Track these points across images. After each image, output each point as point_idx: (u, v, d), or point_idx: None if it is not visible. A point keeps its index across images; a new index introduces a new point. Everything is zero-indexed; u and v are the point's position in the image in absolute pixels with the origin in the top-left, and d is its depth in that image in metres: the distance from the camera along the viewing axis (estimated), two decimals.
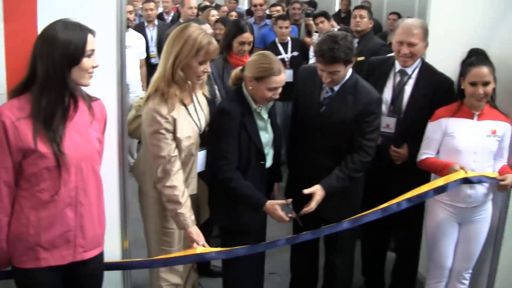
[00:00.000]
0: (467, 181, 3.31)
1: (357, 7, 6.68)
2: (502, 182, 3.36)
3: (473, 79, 3.38)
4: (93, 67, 2.54)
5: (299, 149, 3.77)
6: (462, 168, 3.32)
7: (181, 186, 3.17)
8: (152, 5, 8.02)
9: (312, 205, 3.38)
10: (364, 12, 6.22)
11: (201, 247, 3.15)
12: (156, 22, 8.03)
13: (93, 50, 2.52)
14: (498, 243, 3.72)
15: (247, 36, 4.56)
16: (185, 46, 3.10)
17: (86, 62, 2.49)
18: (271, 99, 3.35)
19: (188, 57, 3.10)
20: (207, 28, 4.15)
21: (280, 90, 3.33)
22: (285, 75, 3.34)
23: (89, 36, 2.50)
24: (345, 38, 3.39)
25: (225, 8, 9.52)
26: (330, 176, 3.47)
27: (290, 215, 3.37)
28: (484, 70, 3.34)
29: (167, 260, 3.23)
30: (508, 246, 3.72)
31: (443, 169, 3.41)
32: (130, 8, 7.54)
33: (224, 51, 4.64)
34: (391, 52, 4.14)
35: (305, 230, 3.46)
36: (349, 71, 3.53)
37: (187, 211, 3.16)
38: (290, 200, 3.42)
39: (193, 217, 3.20)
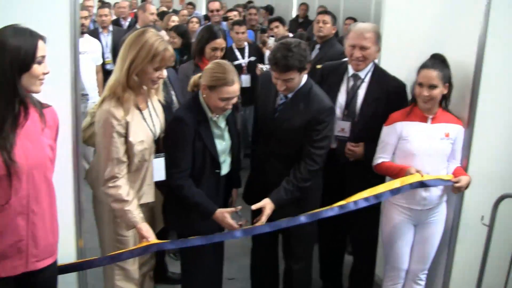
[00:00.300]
0: (422, 184, 3.37)
1: (321, 12, 6.62)
2: (456, 184, 3.43)
3: (420, 80, 3.44)
4: (44, 73, 2.49)
5: (256, 154, 3.80)
6: (418, 171, 3.37)
7: (126, 187, 3.14)
8: (106, 11, 7.94)
9: (263, 219, 3.39)
10: (327, 18, 6.14)
11: (154, 239, 3.14)
12: (110, 28, 7.95)
13: (43, 57, 2.47)
14: (452, 243, 3.76)
15: (220, 42, 4.58)
16: (141, 52, 3.08)
17: (36, 68, 2.44)
18: (224, 109, 3.33)
19: (143, 63, 3.08)
20: (164, 34, 4.13)
21: (234, 100, 3.32)
22: (239, 86, 3.32)
23: (40, 42, 2.45)
24: (299, 46, 3.39)
25: (184, 12, 9.51)
26: (278, 189, 3.48)
27: (240, 223, 3.36)
28: (432, 73, 3.39)
29: (122, 254, 3.20)
30: (462, 246, 3.77)
31: (399, 173, 3.45)
32: (85, 13, 7.46)
33: (196, 57, 4.65)
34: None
35: (261, 237, 3.50)
36: (304, 78, 3.53)
37: (134, 209, 3.14)
38: (239, 207, 3.43)
39: (141, 215, 3.17)
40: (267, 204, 3.42)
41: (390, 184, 3.38)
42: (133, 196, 3.17)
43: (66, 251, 3.19)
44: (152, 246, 3.15)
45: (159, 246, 3.20)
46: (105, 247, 3.42)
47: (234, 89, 3.27)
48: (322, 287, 4.53)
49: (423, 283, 3.80)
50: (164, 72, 3.20)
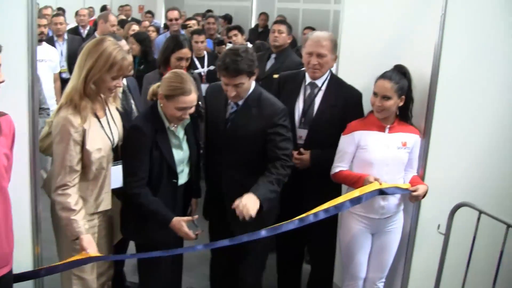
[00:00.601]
0: (381, 192, 3.39)
1: (276, 22, 6.63)
2: (414, 193, 3.46)
3: (375, 90, 3.49)
4: None
5: (211, 166, 3.76)
6: (376, 179, 3.39)
7: (75, 196, 3.10)
8: (61, 19, 7.83)
9: (238, 203, 3.22)
10: (283, 27, 6.14)
11: (95, 253, 3.09)
12: (66, 36, 7.84)
13: None
14: (409, 251, 3.79)
15: (185, 51, 4.59)
16: (99, 60, 3.06)
17: None
18: (181, 119, 3.33)
19: (101, 72, 3.07)
20: (123, 44, 4.09)
21: (190, 110, 3.32)
22: (196, 96, 3.32)
23: None
24: (247, 51, 3.42)
25: (146, 23, 9.47)
26: (257, 185, 3.35)
27: (196, 232, 3.32)
28: (387, 84, 3.42)
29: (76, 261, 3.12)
30: (419, 254, 3.81)
31: (358, 181, 3.47)
32: (44, 22, 7.34)
33: (161, 66, 4.64)
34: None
35: (219, 249, 3.50)
36: (252, 84, 3.55)
37: (80, 219, 3.09)
38: (196, 217, 3.39)
39: (87, 226, 3.13)
40: (247, 196, 3.26)
41: (350, 194, 3.38)
42: (81, 206, 3.12)
43: (23, 260, 3.16)
44: (92, 258, 3.09)
45: (122, 257, 3.17)
46: (63, 256, 3.34)
47: (190, 99, 3.27)
48: None
49: None
50: (124, 81, 3.18)
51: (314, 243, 4.18)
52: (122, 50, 3.17)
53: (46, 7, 9.68)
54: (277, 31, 6.11)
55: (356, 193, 3.36)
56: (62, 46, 7.69)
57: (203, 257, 4.61)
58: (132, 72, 4.33)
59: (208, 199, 3.86)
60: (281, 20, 6.86)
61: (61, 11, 9.82)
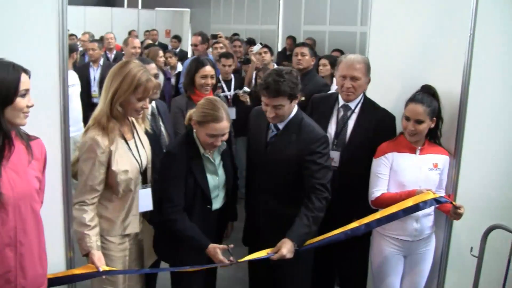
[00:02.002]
0: (437, 201, 3.34)
1: (298, 45, 6.61)
2: (459, 210, 3.38)
3: (407, 114, 3.46)
4: (28, 106, 2.49)
5: (251, 192, 3.74)
6: (429, 190, 3.35)
7: (91, 214, 3.12)
8: (94, 45, 7.92)
9: (275, 257, 3.19)
10: (305, 50, 6.14)
11: (106, 266, 3.10)
12: (101, 62, 7.92)
13: (27, 90, 2.47)
14: (442, 274, 3.76)
15: (208, 69, 4.61)
16: (124, 82, 3.10)
17: (20, 102, 2.43)
18: (213, 146, 3.32)
19: (126, 93, 3.10)
20: (152, 67, 4.13)
21: (223, 137, 3.31)
22: (228, 123, 3.31)
23: (23, 76, 2.45)
24: (291, 73, 3.39)
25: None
26: (293, 227, 3.29)
27: (231, 258, 3.28)
28: (419, 108, 3.40)
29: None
30: (452, 277, 3.77)
31: (408, 197, 3.40)
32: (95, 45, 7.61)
33: (187, 90, 4.66)
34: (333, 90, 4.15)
35: (258, 275, 3.55)
36: (295, 109, 3.51)
37: (93, 235, 3.10)
38: (231, 246, 3.30)
39: (99, 243, 3.13)
40: (283, 244, 3.21)
41: (402, 204, 3.35)
42: (95, 223, 3.14)
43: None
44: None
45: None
46: (94, 280, 3.34)
47: (222, 126, 3.26)
48: None
49: None
50: (153, 103, 3.19)
51: (345, 266, 4.13)
52: (147, 71, 3.19)
53: (84, 34, 9.85)
54: (300, 54, 6.12)
55: (409, 202, 3.33)
56: (96, 72, 7.78)
57: (236, 279, 4.60)
58: (158, 94, 4.35)
59: (247, 226, 3.83)
60: (303, 43, 6.86)
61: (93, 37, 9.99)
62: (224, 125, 3.27)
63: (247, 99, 6.06)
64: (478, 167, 3.63)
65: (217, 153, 3.46)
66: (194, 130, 3.36)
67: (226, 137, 3.35)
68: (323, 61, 6.88)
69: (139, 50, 7.47)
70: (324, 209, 3.37)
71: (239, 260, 3.28)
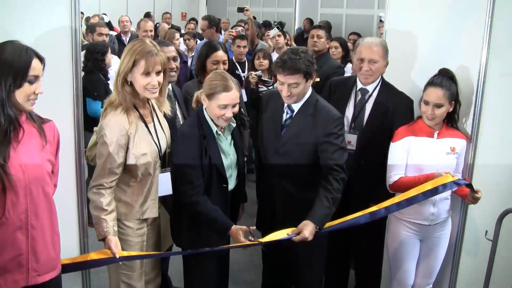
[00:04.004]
0: (456, 184, 3.34)
1: (314, 27, 6.60)
2: (477, 194, 3.39)
3: (426, 98, 3.44)
4: (36, 94, 2.49)
5: (265, 176, 3.72)
6: (447, 173, 3.34)
7: (109, 198, 3.11)
8: (106, 29, 7.81)
9: (298, 238, 3.20)
10: (321, 32, 6.10)
11: (122, 251, 3.11)
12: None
13: (37, 76, 2.47)
14: (457, 258, 3.77)
15: (220, 54, 4.50)
16: (125, 58, 3.08)
17: (27, 87, 2.44)
18: (225, 118, 3.29)
19: (127, 67, 3.07)
20: (171, 50, 4.10)
21: (235, 109, 3.30)
22: (238, 93, 3.31)
23: (35, 61, 2.45)
24: (306, 52, 3.37)
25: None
26: (314, 209, 3.27)
27: (250, 238, 3.29)
28: (439, 92, 3.39)
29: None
30: (466, 260, 3.79)
31: (426, 181, 3.39)
32: (106, 31, 7.55)
33: (198, 75, 4.56)
34: (347, 74, 4.11)
35: (272, 259, 3.55)
36: (309, 91, 3.49)
37: (110, 220, 3.09)
38: (253, 228, 3.33)
39: (116, 228, 3.13)
40: (305, 226, 3.20)
41: (422, 187, 3.34)
42: (113, 208, 3.12)
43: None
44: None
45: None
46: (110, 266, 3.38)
47: (232, 96, 3.26)
48: None
49: None
50: (169, 86, 3.15)
51: (360, 250, 4.15)
52: (150, 47, 3.10)
53: (94, 16, 9.83)
54: (316, 36, 6.09)
55: (428, 186, 3.33)
56: None
57: (248, 264, 4.63)
58: (175, 77, 4.32)
59: (261, 210, 3.82)
60: (319, 25, 6.83)
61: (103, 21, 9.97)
62: (235, 94, 3.27)
63: (255, 81, 6.00)
64: (494, 151, 3.61)
65: (227, 132, 3.45)
66: (205, 107, 3.35)
67: (237, 109, 3.33)
68: (334, 43, 6.83)
69: (150, 34, 7.43)
70: (341, 190, 3.36)
71: (260, 240, 3.29)
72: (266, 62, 6.13)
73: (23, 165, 2.49)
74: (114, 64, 6.51)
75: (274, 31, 7.31)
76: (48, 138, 2.64)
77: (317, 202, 3.29)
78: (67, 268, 3.05)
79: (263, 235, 3.49)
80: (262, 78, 6.02)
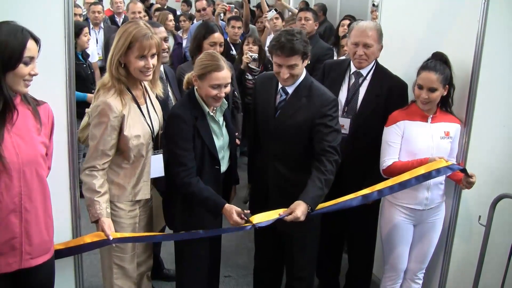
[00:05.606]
0: (450, 169, 3.35)
1: (302, 9, 6.64)
2: (471, 179, 3.39)
3: (420, 82, 3.42)
4: (31, 75, 2.45)
5: (259, 158, 3.72)
6: (441, 158, 3.35)
7: (101, 180, 3.11)
8: (99, 7, 7.90)
9: (289, 218, 3.16)
10: (309, 14, 6.14)
11: (116, 233, 3.12)
12: (102, 25, 7.90)
13: (32, 58, 2.43)
14: (449, 243, 3.77)
15: (217, 36, 4.47)
16: (120, 40, 3.07)
17: (22, 68, 2.41)
18: (217, 98, 3.28)
19: (121, 50, 3.06)
20: (162, 31, 4.06)
21: (226, 88, 3.29)
22: (230, 73, 3.29)
23: (30, 42, 2.41)
24: (301, 33, 3.37)
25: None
26: (306, 190, 3.25)
27: (243, 215, 3.23)
28: (433, 76, 3.36)
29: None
30: (459, 245, 3.79)
31: (420, 165, 3.39)
32: (79, 11, 7.42)
33: (194, 55, 4.49)
34: (337, 56, 4.09)
35: (265, 242, 3.53)
36: (304, 73, 3.48)
37: (103, 201, 3.10)
38: (247, 212, 3.29)
39: (109, 210, 3.14)
40: (297, 206, 3.18)
41: (415, 172, 3.35)
42: (105, 190, 3.13)
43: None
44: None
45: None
46: (105, 262, 3.39)
47: (223, 75, 3.24)
48: (318, 285, 4.49)
49: (421, 282, 3.81)
50: (161, 68, 3.13)
51: (353, 233, 4.16)
52: (145, 29, 3.09)
53: None
54: (303, 18, 6.11)
55: (422, 170, 3.33)
56: (98, 35, 7.76)
57: (239, 246, 4.61)
58: (167, 58, 4.28)
59: (253, 192, 3.83)
60: (307, 8, 6.87)
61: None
62: (226, 74, 3.26)
63: (248, 61, 5.91)
64: (488, 136, 3.61)
65: (219, 113, 3.44)
66: (196, 88, 3.33)
67: (228, 89, 3.32)
68: (345, 21, 6.85)
69: (138, 15, 7.37)
70: (334, 172, 3.35)
71: (252, 220, 3.25)
72: (255, 48, 5.96)
73: (17, 147, 2.47)
74: (92, 45, 6.49)
75: (271, 13, 7.24)
76: (43, 120, 2.63)
77: (310, 183, 3.28)
78: (61, 253, 3.07)
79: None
80: (250, 66, 5.93)
